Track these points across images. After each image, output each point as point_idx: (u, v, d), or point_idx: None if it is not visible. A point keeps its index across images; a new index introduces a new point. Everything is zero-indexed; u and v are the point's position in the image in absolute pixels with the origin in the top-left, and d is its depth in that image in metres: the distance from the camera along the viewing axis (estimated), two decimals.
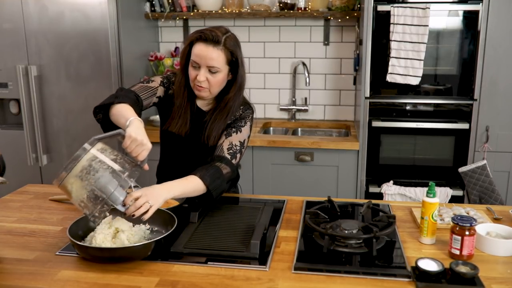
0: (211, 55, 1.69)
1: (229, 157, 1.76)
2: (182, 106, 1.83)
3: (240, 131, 1.82)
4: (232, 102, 1.80)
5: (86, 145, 1.37)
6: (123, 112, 1.59)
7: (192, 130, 1.86)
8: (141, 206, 1.42)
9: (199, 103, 1.88)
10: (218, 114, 1.81)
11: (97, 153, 1.38)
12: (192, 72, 1.75)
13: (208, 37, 1.69)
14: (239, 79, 1.79)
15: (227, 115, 1.81)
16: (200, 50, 1.70)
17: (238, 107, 1.84)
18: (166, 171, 2.02)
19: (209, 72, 1.72)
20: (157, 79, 1.88)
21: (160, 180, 2.06)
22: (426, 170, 2.89)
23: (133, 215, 1.42)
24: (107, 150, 1.41)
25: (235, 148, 1.79)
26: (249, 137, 1.87)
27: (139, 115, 1.67)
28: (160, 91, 1.86)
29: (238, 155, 1.80)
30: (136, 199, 1.43)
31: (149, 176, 2.01)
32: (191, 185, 1.63)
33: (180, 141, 1.89)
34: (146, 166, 1.47)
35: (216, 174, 1.69)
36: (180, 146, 1.92)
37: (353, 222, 1.54)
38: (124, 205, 1.41)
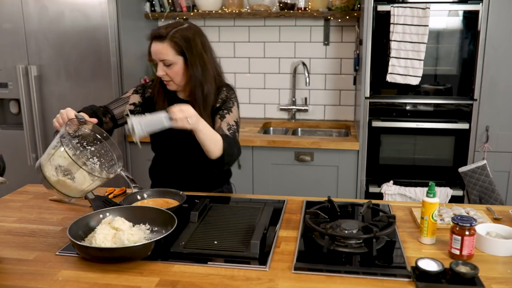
0: (159, 50, 1.83)
1: (232, 136, 1.85)
2: (159, 100, 1.96)
3: (232, 111, 1.92)
4: (198, 94, 1.88)
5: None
6: None
7: None
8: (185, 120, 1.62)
9: (180, 94, 1.98)
10: (202, 105, 1.88)
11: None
12: (156, 70, 1.88)
13: (154, 34, 1.84)
14: (193, 69, 1.85)
15: (208, 102, 1.89)
16: (152, 48, 1.85)
17: (215, 91, 1.92)
18: (160, 169, 2.05)
19: (165, 66, 1.85)
20: (130, 90, 2.05)
21: (154, 180, 2.08)
22: (426, 170, 2.88)
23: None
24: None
25: (233, 128, 1.89)
26: (239, 114, 1.98)
27: (104, 122, 1.90)
28: (134, 98, 2.01)
29: (237, 134, 1.91)
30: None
31: (142, 178, 2.03)
32: (215, 135, 1.75)
33: (169, 134, 1.91)
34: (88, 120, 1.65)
35: (233, 144, 1.81)
36: (169, 139, 1.95)
37: (353, 222, 1.54)
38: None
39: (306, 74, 3.26)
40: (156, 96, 1.97)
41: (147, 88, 2.03)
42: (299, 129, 3.44)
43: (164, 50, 1.82)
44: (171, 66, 1.84)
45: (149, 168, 2.12)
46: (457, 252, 1.38)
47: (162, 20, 3.45)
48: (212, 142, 1.74)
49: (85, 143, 1.61)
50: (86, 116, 1.69)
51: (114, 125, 1.97)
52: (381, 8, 2.71)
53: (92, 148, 1.64)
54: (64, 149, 1.51)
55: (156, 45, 1.83)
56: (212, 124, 1.88)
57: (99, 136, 1.65)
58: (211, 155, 1.76)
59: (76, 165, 1.52)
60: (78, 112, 1.76)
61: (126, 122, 1.92)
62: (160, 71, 1.85)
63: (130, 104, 1.99)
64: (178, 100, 1.94)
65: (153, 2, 3.38)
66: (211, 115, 1.90)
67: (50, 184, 1.57)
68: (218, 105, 1.91)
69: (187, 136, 1.84)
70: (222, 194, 2.03)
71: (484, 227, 1.51)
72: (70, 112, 1.64)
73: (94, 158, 1.63)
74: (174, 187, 1.87)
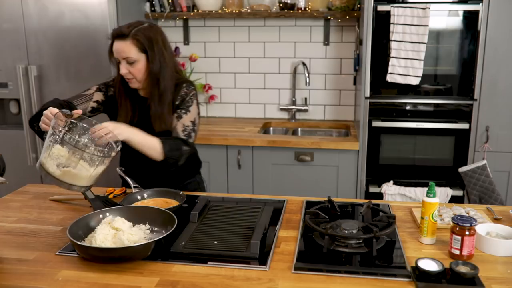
0: (122, 48, 1.85)
1: (185, 138, 1.89)
2: (121, 98, 1.98)
3: (189, 111, 1.94)
4: (154, 88, 1.90)
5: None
6: None
7: (139, 118, 1.96)
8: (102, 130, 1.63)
9: (141, 92, 1.99)
10: (158, 101, 1.91)
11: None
12: (118, 68, 1.90)
13: (116, 33, 1.87)
14: (152, 65, 1.87)
15: (165, 98, 1.90)
16: (114, 46, 1.87)
17: (172, 87, 1.92)
18: (128, 165, 2.04)
19: (128, 64, 1.86)
20: (93, 87, 2.04)
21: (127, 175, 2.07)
22: (426, 170, 2.88)
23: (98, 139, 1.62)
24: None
25: (188, 128, 1.92)
26: (198, 114, 1.99)
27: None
28: (97, 96, 2.02)
29: (193, 134, 1.94)
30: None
31: (113, 175, 2.03)
32: (150, 141, 1.79)
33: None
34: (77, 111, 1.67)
35: (176, 146, 1.84)
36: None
37: (353, 222, 1.54)
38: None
39: (306, 74, 3.26)
40: (117, 95, 1.99)
41: (110, 87, 2.04)
42: (299, 129, 3.44)
43: (127, 48, 1.84)
44: (134, 64, 1.86)
45: (119, 163, 2.12)
46: (457, 252, 1.38)
47: (162, 20, 3.46)
48: (147, 148, 1.79)
49: (76, 136, 1.61)
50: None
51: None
52: (381, 8, 2.71)
53: (86, 140, 1.64)
54: (59, 147, 1.54)
55: (119, 43, 1.85)
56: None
57: (87, 126, 1.65)
58: (153, 159, 1.81)
59: (75, 159, 1.54)
60: (45, 107, 1.77)
61: (89, 116, 1.97)
62: (123, 69, 1.87)
63: (94, 102, 2.00)
64: (139, 98, 1.98)
65: (153, 2, 3.38)
66: (173, 111, 1.93)
67: (57, 179, 1.57)
68: (177, 102, 1.93)
69: (144, 125, 1.88)
70: (194, 193, 2.02)
71: (484, 227, 1.51)
72: (53, 110, 1.66)
73: (91, 147, 1.63)
74: (145, 181, 1.91)
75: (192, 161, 2.03)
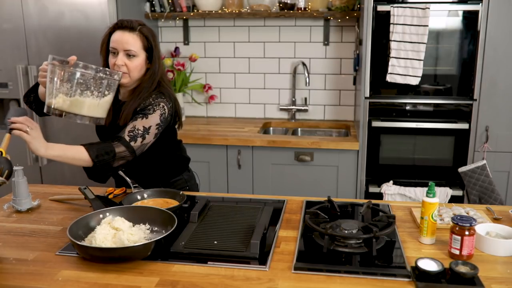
0: (127, 39, 1.82)
1: (128, 138, 1.76)
2: None
3: (147, 117, 1.81)
4: (144, 84, 1.87)
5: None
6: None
7: (113, 120, 1.90)
8: (22, 124, 1.61)
9: (121, 95, 1.95)
10: (132, 98, 1.87)
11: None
12: (111, 60, 1.85)
13: (124, 24, 1.85)
14: (153, 65, 1.88)
15: (138, 95, 1.86)
16: (118, 36, 1.84)
17: (149, 93, 1.87)
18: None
19: (126, 56, 1.83)
20: None
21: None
22: (426, 170, 2.89)
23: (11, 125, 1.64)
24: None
25: (136, 131, 1.77)
26: (158, 126, 1.83)
27: None
28: None
29: (139, 139, 1.77)
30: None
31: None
32: (72, 151, 1.67)
33: (105, 131, 1.94)
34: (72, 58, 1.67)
35: (105, 149, 1.71)
36: (105, 136, 1.90)
37: (353, 222, 1.54)
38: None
39: (306, 74, 3.26)
40: None
41: None
42: (299, 129, 3.44)
43: (132, 40, 1.83)
44: (133, 59, 1.83)
45: None
46: (457, 252, 1.38)
47: (162, 20, 3.46)
48: (74, 159, 1.67)
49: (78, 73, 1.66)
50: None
51: None
52: (381, 8, 2.71)
53: (89, 71, 1.66)
54: (62, 83, 1.61)
55: (125, 34, 1.83)
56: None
57: (82, 63, 1.66)
58: (83, 166, 1.72)
59: (79, 90, 1.61)
60: (26, 94, 1.89)
61: None
62: (120, 61, 1.82)
63: None
64: (117, 101, 1.90)
65: (153, 2, 3.38)
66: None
67: (67, 112, 1.61)
68: (138, 108, 1.84)
69: (116, 130, 1.84)
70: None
71: (484, 227, 1.51)
72: (46, 61, 1.67)
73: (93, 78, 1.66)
74: (136, 180, 1.90)
75: (174, 159, 2.03)
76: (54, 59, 1.64)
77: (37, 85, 1.95)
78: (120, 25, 1.85)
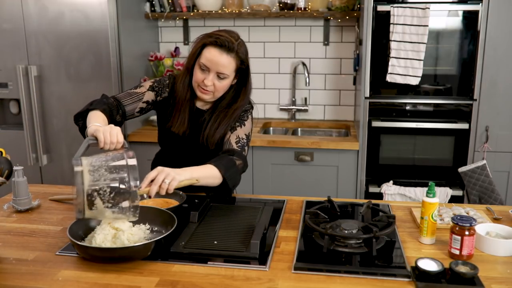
0: (223, 62, 1.72)
1: (239, 150, 1.78)
2: (182, 106, 1.85)
3: (244, 125, 1.84)
4: (239, 111, 1.84)
5: (77, 168, 1.33)
6: (91, 119, 1.63)
7: (191, 130, 1.87)
8: (161, 183, 1.47)
9: (198, 103, 1.90)
10: (223, 119, 1.82)
11: (89, 166, 1.35)
12: (199, 75, 1.76)
13: (223, 43, 1.72)
14: (248, 87, 1.84)
15: (232, 121, 1.83)
16: (213, 55, 1.72)
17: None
18: (162, 165, 1.99)
19: (217, 77, 1.75)
20: (147, 84, 1.88)
21: None
22: (426, 170, 2.89)
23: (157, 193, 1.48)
24: (94, 158, 1.39)
25: (242, 141, 1.81)
26: (251, 130, 1.89)
27: (115, 120, 1.75)
28: (149, 96, 1.86)
29: (246, 148, 1.82)
30: (152, 180, 1.48)
31: (142, 177, 2.00)
32: (208, 171, 1.63)
33: (178, 141, 1.89)
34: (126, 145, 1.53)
35: (229, 163, 1.70)
36: (178, 146, 1.92)
37: (353, 222, 1.54)
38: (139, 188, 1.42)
39: (306, 74, 3.26)
40: (177, 101, 1.85)
41: (165, 88, 1.89)
42: (299, 129, 3.44)
43: (228, 63, 1.73)
44: (223, 80, 1.76)
45: (152, 162, 2.06)
46: (457, 252, 1.38)
47: (162, 20, 3.46)
48: (210, 178, 1.63)
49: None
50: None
51: (122, 121, 1.83)
52: (381, 8, 2.71)
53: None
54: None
55: (222, 56, 1.72)
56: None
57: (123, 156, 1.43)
58: (212, 185, 1.68)
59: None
60: (91, 107, 1.67)
61: (135, 116, 1.87)
62: (210, 81, 1.73)
63: (143, 102, 1.85)
64: (197, 110, 1.88)
65: (153, 2, 3.38)
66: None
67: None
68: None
69: (195, 143, 1.83)
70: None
71: (483, 227, 1.51)
72: (120, 136, 1.49)
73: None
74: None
75: None
76: (124, 145, 1.47)
77: (87, 111, 1.71)
78: (219, 43, 1.72)
